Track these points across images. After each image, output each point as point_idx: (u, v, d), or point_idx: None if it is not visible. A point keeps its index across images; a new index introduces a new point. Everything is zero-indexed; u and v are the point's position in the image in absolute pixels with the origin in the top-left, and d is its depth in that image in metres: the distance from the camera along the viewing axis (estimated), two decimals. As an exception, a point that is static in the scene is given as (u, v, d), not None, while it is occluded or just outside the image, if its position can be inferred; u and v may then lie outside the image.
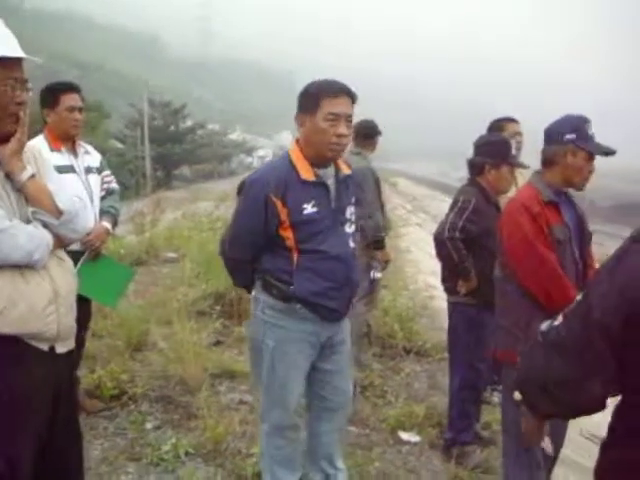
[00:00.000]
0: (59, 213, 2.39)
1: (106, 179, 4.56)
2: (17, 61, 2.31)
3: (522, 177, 4.79)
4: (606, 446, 1.49)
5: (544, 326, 1.53)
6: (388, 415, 4.66)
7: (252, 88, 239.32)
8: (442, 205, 22.05)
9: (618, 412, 1.46)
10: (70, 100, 4.25)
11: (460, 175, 48.41)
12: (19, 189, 2.37)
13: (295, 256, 3.03)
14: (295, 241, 3.01)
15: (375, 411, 4.78)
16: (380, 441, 4.37)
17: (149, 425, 4.41)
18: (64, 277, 2.41)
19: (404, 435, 4.44)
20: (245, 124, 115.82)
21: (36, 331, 2.28)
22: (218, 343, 6.02)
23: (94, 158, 4.53)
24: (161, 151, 49.87)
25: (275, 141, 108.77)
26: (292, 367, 3.15)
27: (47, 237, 2.33)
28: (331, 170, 3.14)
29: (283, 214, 2.97)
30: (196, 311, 6.61)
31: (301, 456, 3.40)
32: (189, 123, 57.76)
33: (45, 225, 2.36)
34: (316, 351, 3.19)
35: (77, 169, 4.29)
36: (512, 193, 4.57)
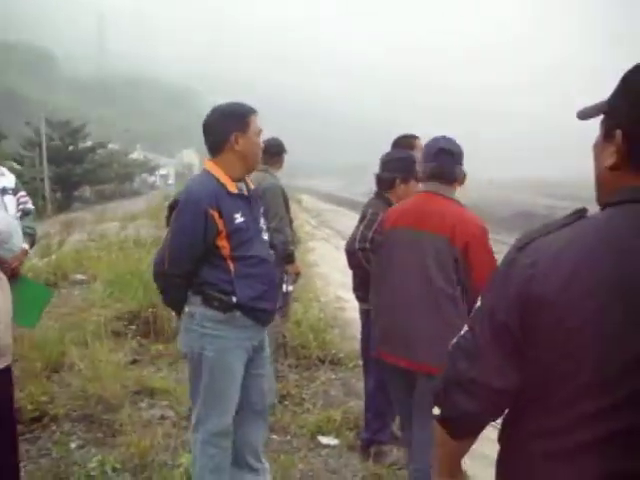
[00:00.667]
0: None
1: (22, 199, 4.48)
2: None
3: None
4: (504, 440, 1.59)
5: (454, 339, 1.60)
6: (307, 422, 4.85)
7: (154, 107, 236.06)
8: (345, 220, 22.49)
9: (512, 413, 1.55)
10: None
11: (360, 189, 49.26)
12: None
13: (231, 265, 3.25)
14: (230, 249, 3.23)
15: (294, 419, 4.96)
16: (301, 446, 4.56)
17: (73, 445, 4.45)
18: (1, 295, 2.51)
19: (323, 439, 4.65)
20: (147, 143, 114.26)
21: None
22: (135, 361, 6.06)
23: (9, 179, 4.45)
24: (60, 172, 48.77)
25: (177, 159, 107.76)
26: (232, 375, 3.34)
27: None
28: (243, 185, 3.42)
29: (220, 224, 3.20)
30: (111, 331, 6.63)
31: (229, 464, 3.56)
32: (89, 143, 56.66)
33: None
34: (249, 357, 3.40)
35: None
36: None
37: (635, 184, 1.41)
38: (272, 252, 3.61)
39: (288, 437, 4.71)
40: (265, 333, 3.56)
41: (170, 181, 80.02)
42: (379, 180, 4.50)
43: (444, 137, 3.64)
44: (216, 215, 3.19)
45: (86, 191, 57.97)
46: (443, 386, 1.58)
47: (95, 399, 5.06)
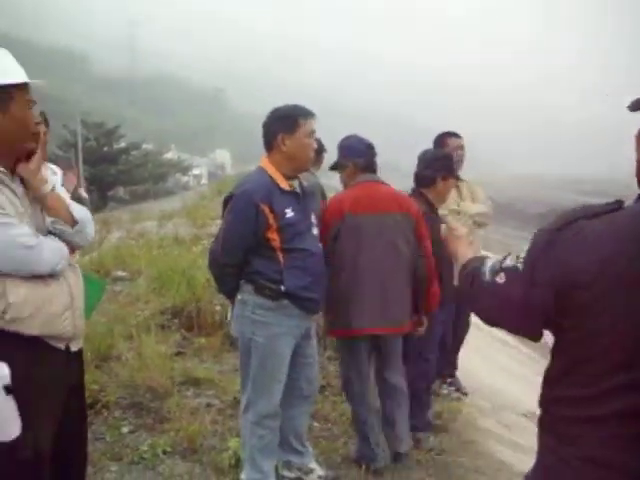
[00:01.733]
0: (74, 222, 2.70)
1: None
2: (27, 85, 2.59)
3: (466, 186, 5.31)
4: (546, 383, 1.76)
5: (487, 276, 1.80)
6: (347, 411, 5.00)
7: (185, 106, 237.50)
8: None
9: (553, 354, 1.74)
10: None
11: (398, 188, 49.15)
12: (37, 201, 2.66)
13: (281, 256, 3.48)
14: (280, 242, 3.47)
15: (335, 408, 5.14)
16: (341, 433, 4.75)
17: (125, 429, 4.68)
18: (77, 282, 2.73)
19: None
20: (180, 143, 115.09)
21: (56, 333, 2.59)
22: (179, 354, 6.27)
23: (60, 177, 4.67)
24: (95, 172, 49.44)
25: (210, 159, 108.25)
26: (280, 360, 3.57)
27: (64, 248, 2.64)
28: (296, 182, 3.65)
29: (271, 218, 3.43)
30: (155, 325, 6.86)
31: (277, 444, 3.79)
32: (123, 144, 57.34)
33: (58, 233, 2.66)
34: (297, 343, 3.64)
35: None
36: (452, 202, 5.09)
37: None
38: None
39: (329, 425, 4.90)
40: (311, 323, 3.79)
41: (203, 181, 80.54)
42: (418, 178, 4.65)
43: (356, 135, 4.35)
44: (267, 209, 3.42)
45: (120, 191, 58.65)
46: (471, 295, 1.90)
47: (143, 388, 5.27)
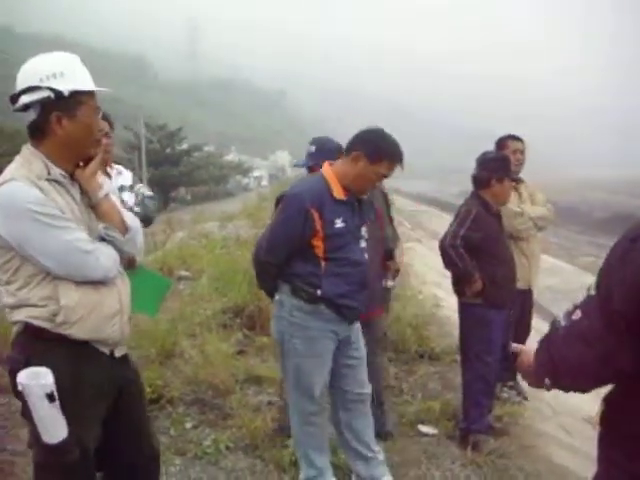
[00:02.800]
0: (126, 230, 2.75)
1: (140, 191, 4.80)
2: (94, 92, 2.66)
3: (526, 189, 5.29)
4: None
5: (563, 321, 1.69)
6: (407, 412, 5.05)
7: (244, 108, 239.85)
8: (439, 221, 22.46)
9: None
10: None
11: (456, 190, 48.74)
12: (91, 206, 2.72)
13: (323, 263, 3.48)
14: (324, 250, 3.47)
15: (394, 409, 5.15)
16: (401, 434, 4.75)
17: (188, 425, 4.79)
18: (126, 289, 2.80)
19: (423, 428, 4.83)
20: (240, 145, 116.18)
21: (104, 337, 2.65)
22: (241, 352, 6.37)
23: (125, 177, 4.79)
24: (158, 174, 50.33)
25: (271, 161, 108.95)
26: (318, 362, 3.60)
27: (117, 255, 2.70)
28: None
29: (319, 225, 3.42)
30: (218, 323, 6.99)
31: (327, 439, 3.86)
32: (185, 146, 58.24)
33: (109, 240, 2.69)
34: (335, 347, 3.64)
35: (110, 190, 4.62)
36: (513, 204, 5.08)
37: None
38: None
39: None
40: (354, 329, 3.75)
41: (264, 183, 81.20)
42: (475, 179, 4.70)
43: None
44: (316, 216, 3.41)
45: (182, 192, 59.58)
46: (555, 367, 1.71)
47: (206, 385, 5.37)
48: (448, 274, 4.84)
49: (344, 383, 3.77)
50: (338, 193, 3.49)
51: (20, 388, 2.43)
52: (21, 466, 3.95)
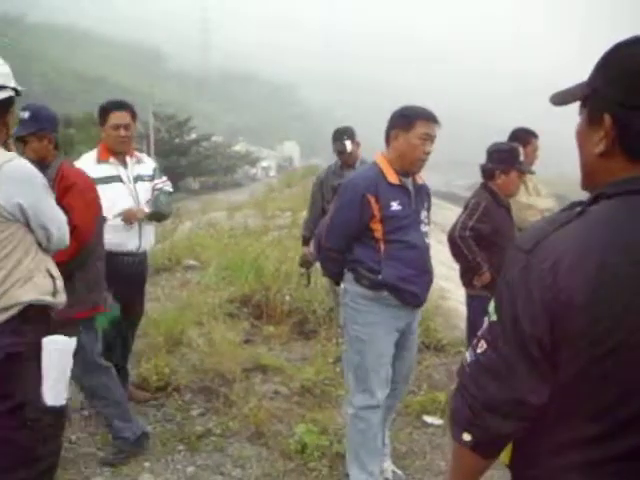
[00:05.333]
0: None
1: (157, 185, 4.88)
2: None
3: (531, 181, 5.27)
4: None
5: (468, 357, 1.49)
6: (412, 402, 5.05)
7: (254, 100, 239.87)
8: (447, 214, 22.42)
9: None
10: (116, 118, 4.60)
11: (467, 183, 48.55)
12: None
13: (382, 246, 3.53)
14: (383, 233, 3.52)
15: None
16: (406, 424, 4.77)
17: (194, 412, 4.82)
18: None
19: (428, 418, 4.85)
20: (249, 136, 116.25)
21: None
22: (248, 341, 6.39)
23: (147, 167, 4.87)
24: (166, 163, 50.34)
25: (278, 152, 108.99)
26: (380, 352, 3.58)
27: None
28: (410, 179, 3.66)
29: (375, 209, 3.49)
30: (225, 313, 7.02)
31: (381, 441, 3.79)
32: (193, 135, 58.27)
33: None
34: (398, 335, 3.65)
35: (124, 178, 4.65)
36: (522, 196, 5.06)
37: (628, 174, 1.36)
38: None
39: (394, 415, 4.92)
40: (415, 316, 3.78)
41: (272, 173, 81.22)
42: (482, 171, 4.70)
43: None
44: (373, 200, 3.48)
45: (190, 182, 59.64)
46: (471, 412, 1.44)
47: (212, 373, 5.39)
48: (456, 266, 4.84)
49: (392, 372, 3.73)
50: (392, 178, 3.56)
51: (46, 349, 2.67)
52: None
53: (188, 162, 53.86)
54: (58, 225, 2.81)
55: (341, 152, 5.89)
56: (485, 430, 1.44)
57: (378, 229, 3.52)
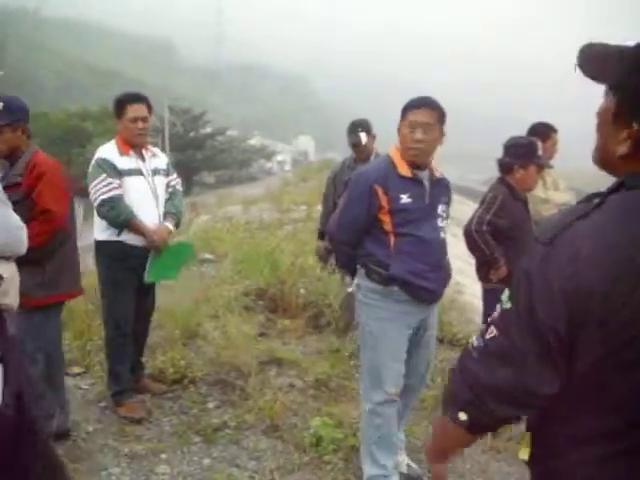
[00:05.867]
0: None
1: (172, 182, 4.91)
2: None
3: (549, 175, 5.24)
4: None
5: (476, 342, 1.50)
6: (427, 396, 5.03)
7: (268, 93, 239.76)
8: (463, 208, 22.40)
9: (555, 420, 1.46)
10: (134, 111, 4.59)
11: (483, 177, 48.22)
12: None
13: (392, 239, 3.50)
14: (392, 225, 3.49)
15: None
16: (422, 418, 4.76)
17: (210, 404, 4.84)
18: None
19: (444, 412, 4.84)
20: (263, 129, 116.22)
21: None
22: (263, 334, 6.40)
23: (161, 161, 4.87)
24: (182, 157, 50.51)
25: (294, 146, 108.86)
26: (392, 347, 3.56)
27: None
28: (426, 173, 3.61)
29: (384, 200, 3.47)
30: (240, 306, 7.04)
31: (398, 441, 3.79)
32: (208, 129, 58.34)
33: None
34: (411, 332, 3.62)
35: (144, 172, 4.65)
36: (539, 190, 5.04)
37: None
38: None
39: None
40: (431, 312, 3.73)
41: (287, 167, 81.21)
42: (500, 165, 4.68)
43: None
44: (381, 191, 3.46)
45: (205, 176, 59.73)
46: (473, 394, 1.46)
47: (228, 366, 5.41)
48: (471, 261, 4.83)
49: (406, 369, 3.70)
50: (403, 170, 3.53)
51: None
52: None
53: (203, 156, 53.97)
54: (9, 230, 2.78)
55: (356, 145, 5.84)
56: (487, 414, 1.47)
57: (387, 221, 3.50)
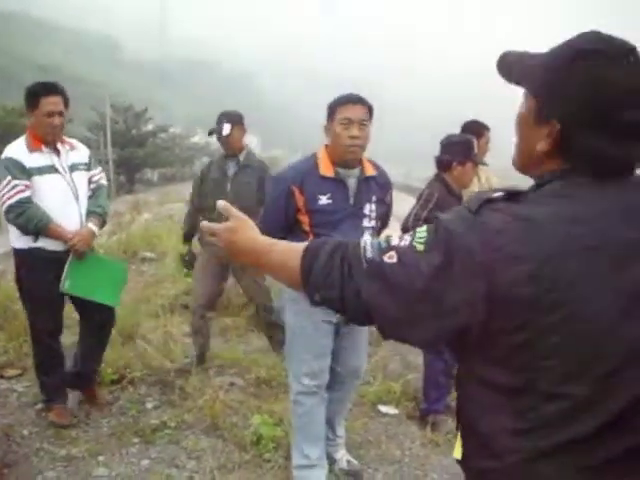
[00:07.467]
0: None
1: (94, 178, 4.52)
2: None
3: (483, 172, 5.33)
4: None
5: (370, 253, 1.38)
6: (367, 392, 5.08)
7: (212, 91, 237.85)
8: (406, 205, 22.61)
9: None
10: (49, 105, 4.18)
11: (424, 175, 48.89)
12: None
13: (311, 238, 3.45)
14: (310, 225, 3.48)
15: (355, 389, 5.19)
16: (362, 414, 4.79)
17: (149, 405, 4.79)
18: None
19: (383, 408, 4.89)
20: (207, 126, 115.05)
21: None
22: (203, 333, 6.36)
23: (81, 154, 4.48)
24: (123, 155, 49.73)
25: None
26: (306, 338, 3.57)
27: None
28: (356, 171, 3.57)
29: (300, 201, 3.45)
30: (180, 304, 6.99)
31: (322, 427, 3.76)
32: (151, 127, 57.57)
33: None
34: (332, 328, 3.61)
35: (60, 168, 4.27)
36: (474, 187, 5.12)
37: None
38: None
39: (349, 406, 4.95)
40: None
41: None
42: (437, 162, 4.73)
43: None
44: (297, 192, 3.44)
45: (147, 173, 58.92)
46: (342, 297, 1.40)
47: (167, 366, 5.38)
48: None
49: (334, 363, 3.74)
50: (325, 170, 3.49)
51: None
52: None
53: (145, 153, 53.02)
54: None
55: (218, 137, 5.47)
56: (343, 312, 1.44)
57: (305, 222, 3.50)
